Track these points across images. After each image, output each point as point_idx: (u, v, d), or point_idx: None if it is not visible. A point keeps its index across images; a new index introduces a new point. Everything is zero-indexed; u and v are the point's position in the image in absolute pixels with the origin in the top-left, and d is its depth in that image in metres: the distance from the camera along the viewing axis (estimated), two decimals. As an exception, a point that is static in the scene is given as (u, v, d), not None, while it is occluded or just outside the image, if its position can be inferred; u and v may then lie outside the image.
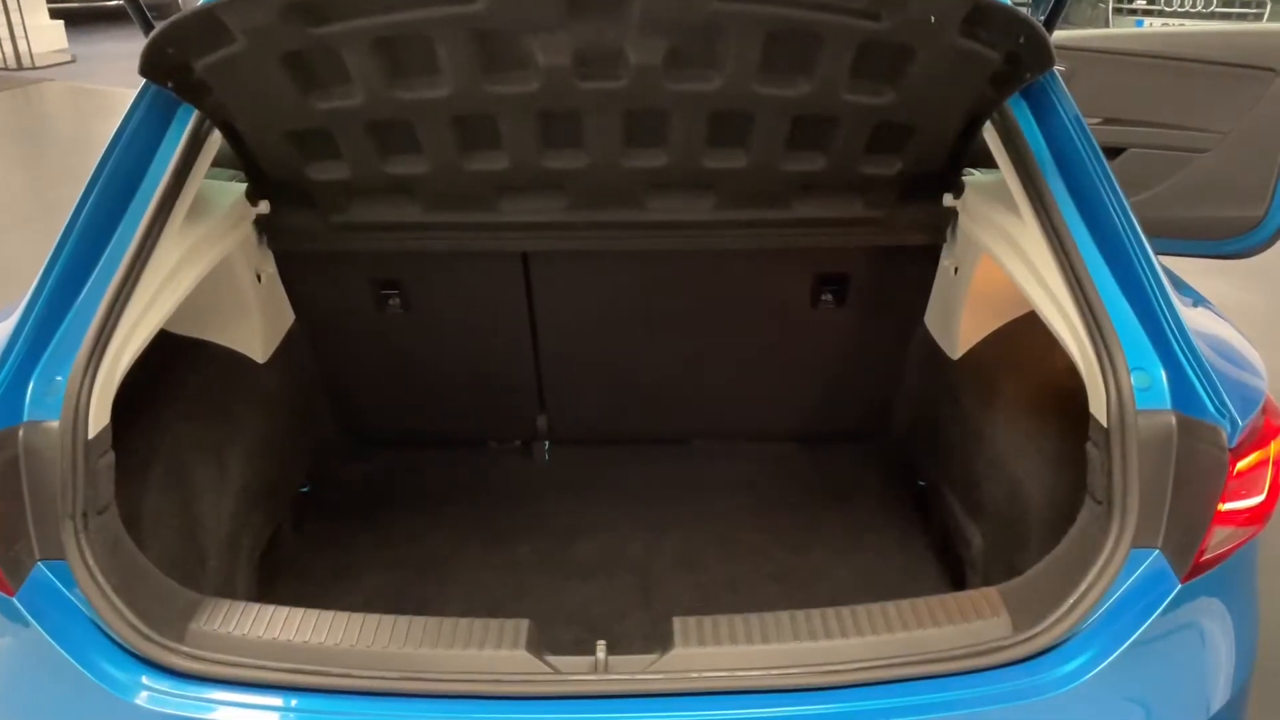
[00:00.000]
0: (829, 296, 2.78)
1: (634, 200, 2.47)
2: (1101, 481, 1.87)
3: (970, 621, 1.83)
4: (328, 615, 1.82)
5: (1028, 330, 2.40)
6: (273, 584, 2.60)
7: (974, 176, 2.45)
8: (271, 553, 2.61)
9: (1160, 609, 1.78)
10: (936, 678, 1.75)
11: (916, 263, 2.68)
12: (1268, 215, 3.13)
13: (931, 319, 2.78)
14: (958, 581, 2.57)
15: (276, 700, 1.71)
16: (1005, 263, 2.19)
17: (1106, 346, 1.88)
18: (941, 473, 2.68)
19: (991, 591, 1.91)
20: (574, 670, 1.76)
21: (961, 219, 2.45)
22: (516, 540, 2.82)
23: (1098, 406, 1.90)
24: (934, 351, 2.74)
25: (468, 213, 2.50)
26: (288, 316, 2.79)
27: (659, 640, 2.50)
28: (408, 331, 2.86)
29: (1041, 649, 1.77)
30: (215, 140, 2.17)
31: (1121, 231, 1.98)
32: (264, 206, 2.47)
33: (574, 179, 2.40)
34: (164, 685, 1.71)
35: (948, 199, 2.44)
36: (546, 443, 3.19)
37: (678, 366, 2.98)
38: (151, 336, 1.97)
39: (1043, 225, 2.03)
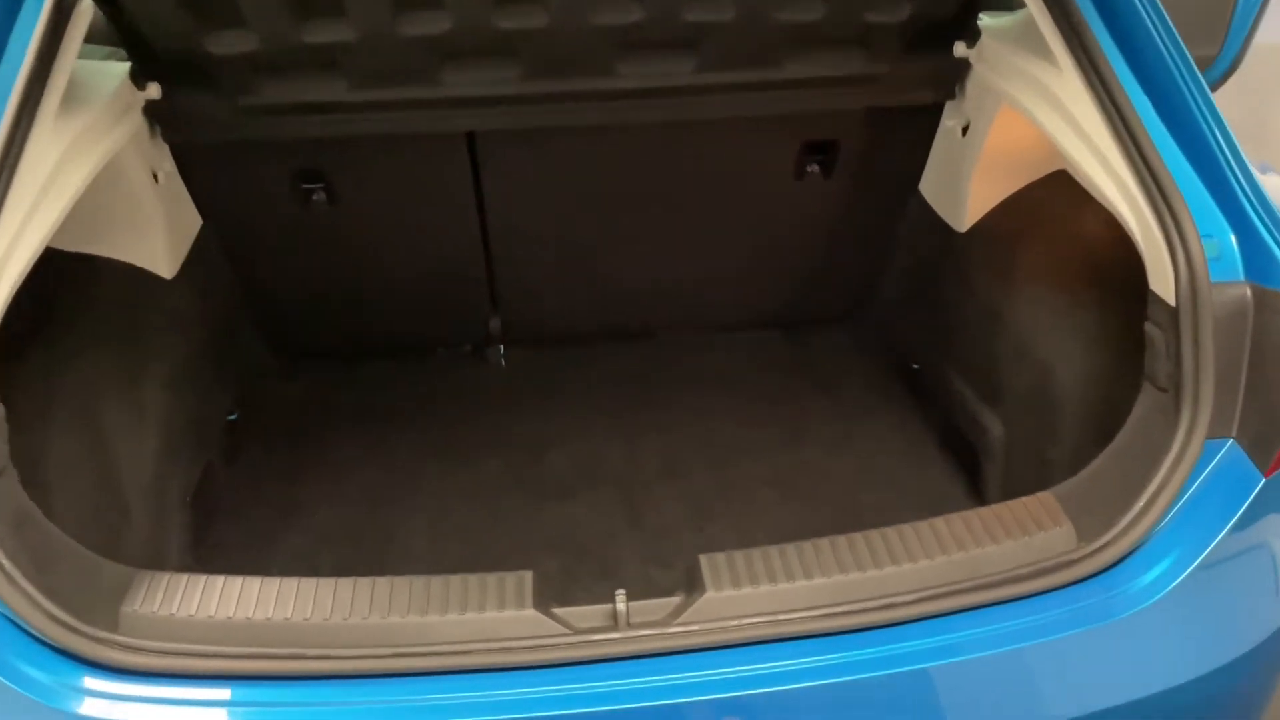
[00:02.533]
0: (815, 167, 2.48)
1: (601, 65, 2.12)
2: (1166, 366, 1.66)
3: (1030, 534, 1.63)
4: (291, 583, 1.53)
5: (1051, 193, 2.16)
6: (210, 530, 2.28)
7: (990, 20, 2.14)
8: (204, 493, 2.28)
9: (1244, 506, 1.59)
10: (1004, 603, 1.54)
11: (915, 124, 2.39)
12: (1221, 52, 2.93)
13: (929, 187, 2.51)
14: (968, 469, 2.38)
15: (243, 693, 1.43)
16: (1035, 113, 1.91)
17: (1171, 210, 1.64)
18: (945, 356, 2.46)
19: (1047, 496, 1.70)
20: (594, 626, 1.50)
21: (976, 70, 2.15)
22: (481, 457, 2.54)
23: (1160, 281, 1.67)
24: (932, 223, 2.48)
25: (403, 88, 2.12)
26: (194, 221, 2.39)
27: (655, 560, 2.31)
28: (336, 228, 2.49)
29: (1115, 559, 1.57)
30: (87, 9, 1.74)
31: (1177, 75, 1.72)
32: (154, 90, 2.05)
33: (530, 42, 2.03)
34: (101, 684, 1.41)
35: (959, 48, 2.14)
36: (502, 346, 2.88)
37: (645, 253, 2.68)
38: (35, 257, 1.59)
39: (1083, 70, 1.76)
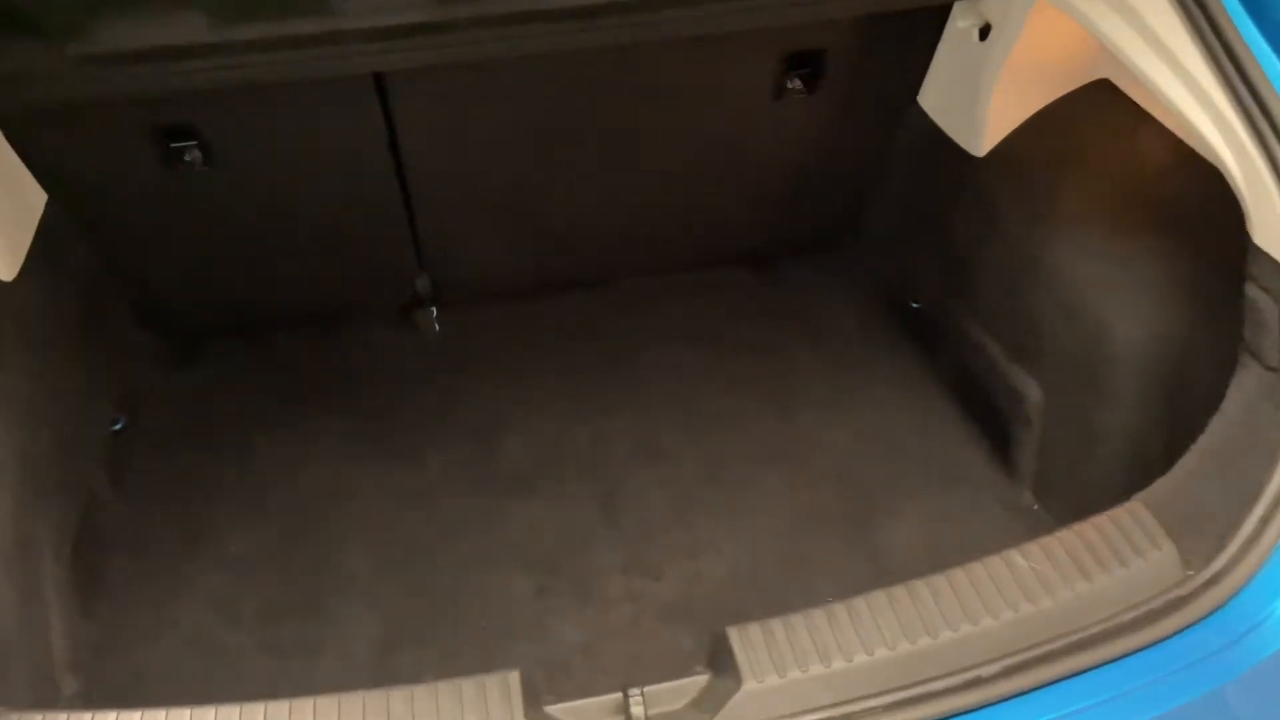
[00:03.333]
0: (797, 83, 2.07)
1: None
2: (1276, 338, 1.34)
3: (1127, 564, 1.32)
4: (206, 714, 1.15)
5: (1094, 110, 1.80)
6: (102, 578, 1.88)
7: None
8: (89, 534, 1.87)
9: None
10: (1112, 662, 1.24)
11: (917, 26, 1.99)
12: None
13: (933, 101, 2.12)
14: (990, 434, 2.07)
15: None
16: (1087, 11, 1.53)
17: None
18: (960, 300, 2.12)
19: (1138, 508, 1.39)
20: None
21: None
22: (422, 449, 2.15)
23: (1272, 235, 1.34)
24: (938, 143, 2.10)
25: (280, 22, 1.64)
26: (36, 202, 1.91)
27: (641, 569, 1.96)
28: (216, 192, 2.02)
29: (1232, 592, 1.28)
30: None
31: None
32: None
33: None
34: None
35: None
36: (434, 309, 2.45)
37: (597, 191, 2.26)
38: None
39: None
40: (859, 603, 1.30)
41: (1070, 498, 1.90)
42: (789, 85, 2.07)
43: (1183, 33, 1.42)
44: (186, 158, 1.93)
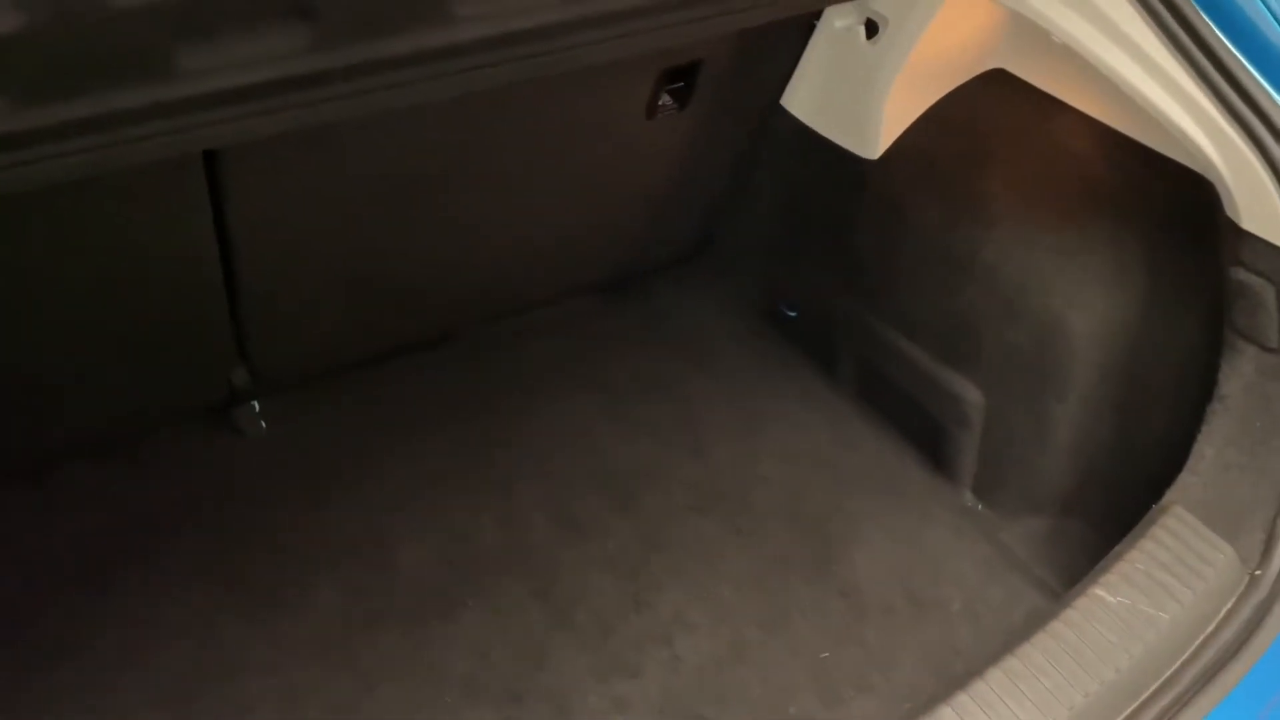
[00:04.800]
0: (669, 99, 1.88)
1: (428, 8, 1.36)
2: (1275, 319, 1.35)
3: (1201, 574, 1.28)
4: None
5: (997, 101, 1.75)
6: None
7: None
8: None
9: None
10: (1237, 688, 1.20)
11: (789, 27, 1.86)
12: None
13: (803, 102, 2.00)
14: (915, 437, 2.01)
15: None
16: None
17: (1268, 122, 1.30)
18: (862, 304, 2.03)
19: (1180, 512, 1.36)
20: None
21: None
22: (302, 585, 1.76)
23: (1260, 217, 1.34)
24: (812, 143, 1.99)
25: (116, 91, 1.22)
26: None
27: (617, 670, 1.66)
28: None
29: None
30: None
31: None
32: None
33: None
34: None
35: None
36: (255, 403, 2.03)
37: (450, 240, 1.95)
38: None
39: None
40: (981, 689, 1.17)
41: (1016, 493, 1.88)
42: (661, 102, 1.87)
43: (1137, 17, 1.38)
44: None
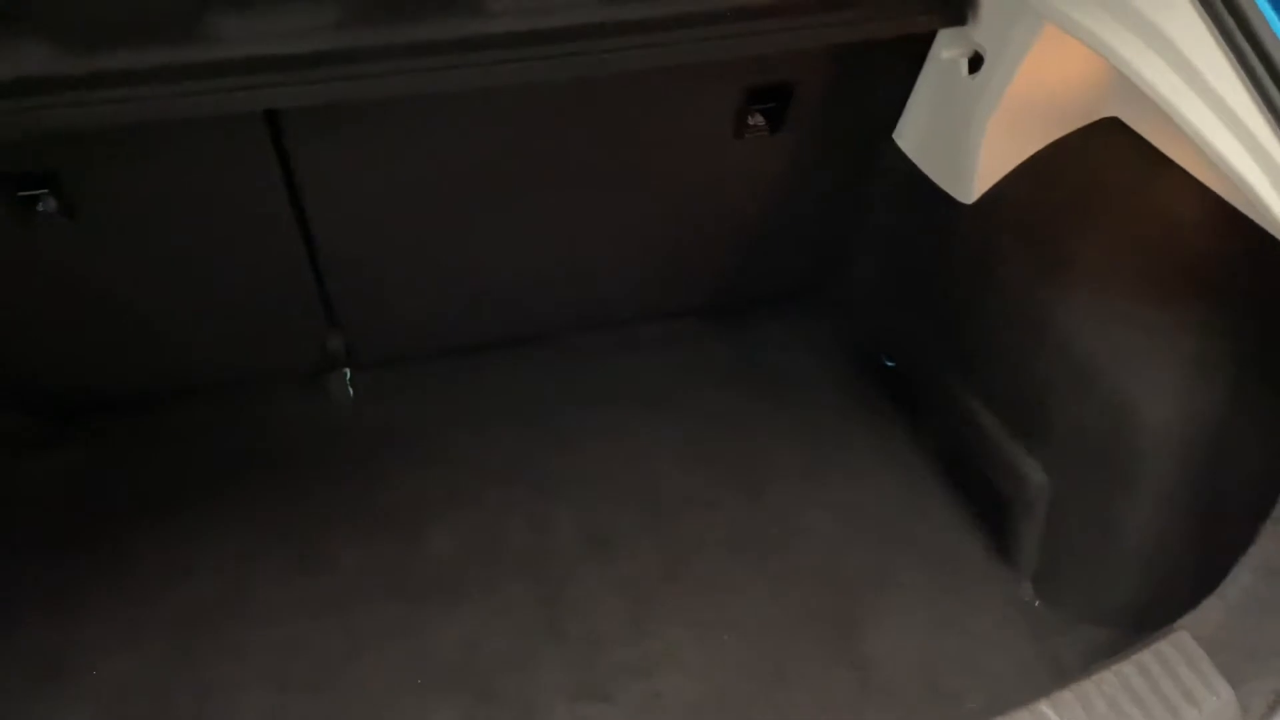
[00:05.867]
0: (759, 119, 1.82)
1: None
2: None
3: (1180, 715, 1.08)
4: None
5: (1106, 152, 1.57)
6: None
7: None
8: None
9: None
10: None
11: (895, 54, 1.75)
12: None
13: (911, 139, 1.88)
14: (985, 514, 1.82)
15: None
16: (1107, 38, 1.30)
17: None
18: (946, 361, 1.87)
19: (1184, 639, 1.15)
20: None
21: None
22: (332, 547, 1.84)
23: None
24: (917, 183, 1.86)
25: (150, 49, 1.34)
26: None
27: (591, 693, 1.63)
28: (80, 248, 1.70)
29: None
30: None
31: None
32: None
33: None
34: None
35: None
36: (347, 371, 2.15)
37: (532, 240, 1.98)
38: None
39: None
40: None
41: (1078, 595, 1.66)
42: (750, 121, 1.82)
43: (1224, 65, 1.19)
44: (40, 208, 1.61)
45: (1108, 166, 1.58)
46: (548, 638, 1.71)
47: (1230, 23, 1.19)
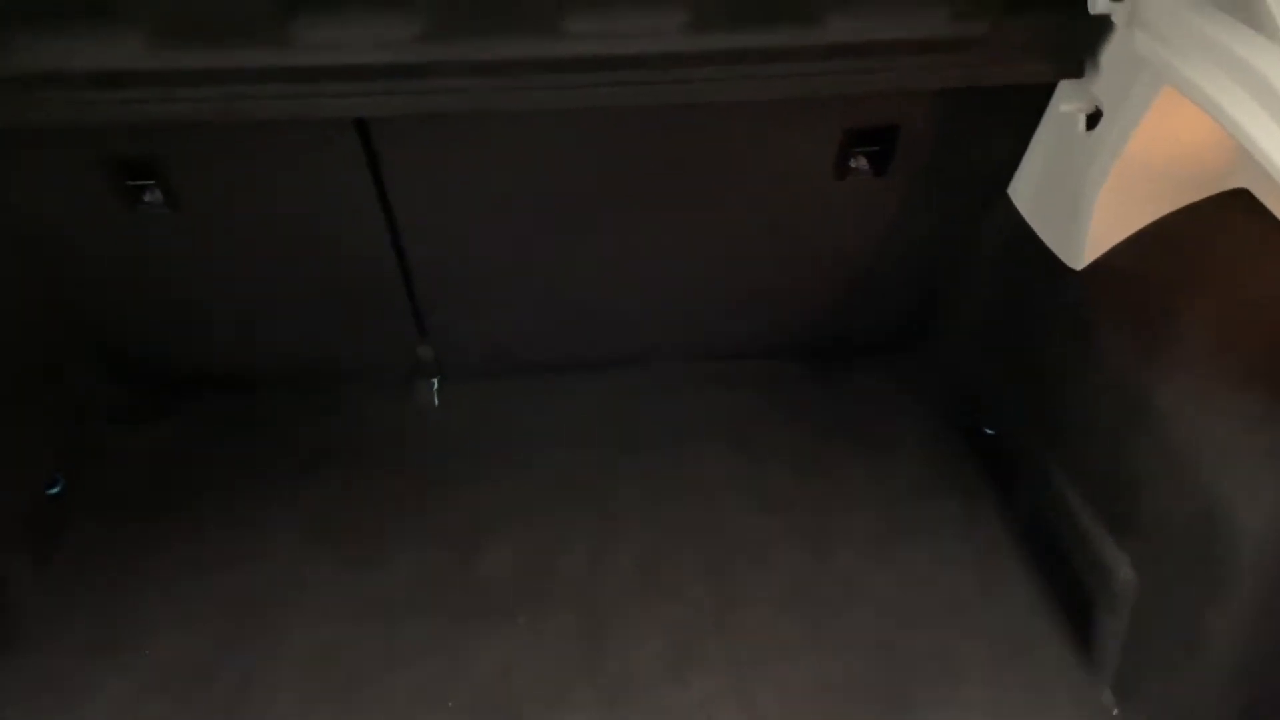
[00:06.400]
0: (862, 161, 1.74)
1: (541, 18, 1.38)
2: None
3: None
4: None
5: (1228, 227, 1.43)
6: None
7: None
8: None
9: None
10: None
11: (1013, 103, 1.65)
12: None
13: (1025, 195, 1.76)
14: (1072, 609, 1.68)
15: None
16: (1226, 105, 1.18)
17: None
18: (1041, 435, 1.75)
19: None
20: None
21: (1125, 35, 1.40)
22: (393, 548, 1.86)
23: None
24: (1027, 242, 1.75)
25: (232, 50, 1.38)
26: None
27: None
28: (183, 237, 1.77)
29: None
30: None
31: None
32: None
33: None
34: None
35: (1099, 1, 1.39)
36: (435, 380, 2.17)
37: (622, 265, 1.95)
38: None
39: None
40: None
41: (1159, 706, 1.50)
42: (853, 164, 1.74)
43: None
44: (146, 198, 1.69)
45: (1231, 242, 1.44)
46: (584, 673, 1.66)
47: None
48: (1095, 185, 1.51)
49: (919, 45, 1.45)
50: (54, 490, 1.89)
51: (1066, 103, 1.55)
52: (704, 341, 2.17)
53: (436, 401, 2.17)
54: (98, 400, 2.03)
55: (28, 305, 1.81)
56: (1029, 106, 1.65)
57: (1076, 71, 1.50)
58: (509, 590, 1.79)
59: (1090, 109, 1.53)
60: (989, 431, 1.98)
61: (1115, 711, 1.57)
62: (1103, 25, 1.43)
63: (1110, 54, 1.45)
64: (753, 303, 2.06)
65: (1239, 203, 1.44)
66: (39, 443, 1.86)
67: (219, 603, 1.76)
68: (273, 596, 1.77)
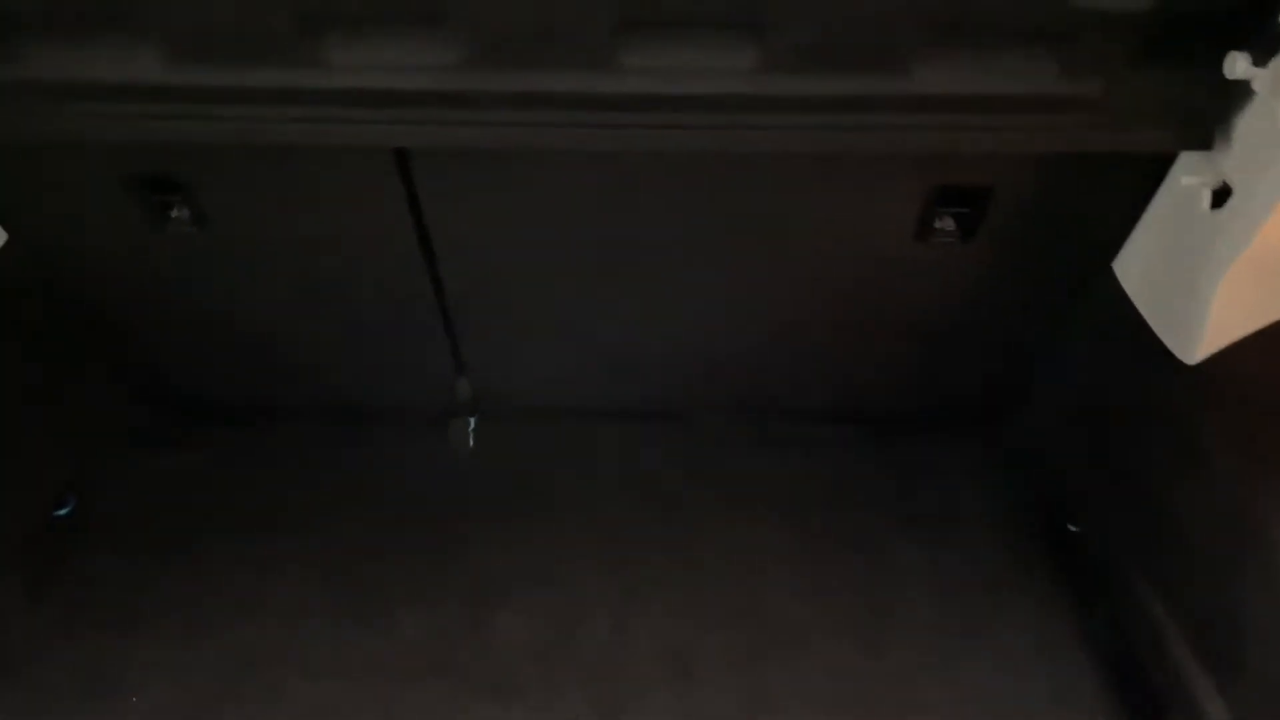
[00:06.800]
0: (948, 222, 1.55)
1: (593, 51, 1.23)
2: None
3: None
4: None
5: None
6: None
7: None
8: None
9: None
10: None
11: (1126, 172, 1.45)
12: None
13: (1131, 273, 1.56)
14: None
15: None
16: None
17: None
18: (1133, 548, 1.54)
19: None
20: None
21: (1267, 107, 1.20)
22: (403, 604, 1.72)
23: None
24: (1130, 325, 1.54)
25: (259, 68, 1.26)
26: None
27: None
28: (211, 259, 1.66)
29: None
30: None
31: None
32: None
33: (462, 3, 1.16)
34: None
35: (1238, 65, 1.18)
36: (472, 420, 2.03)
37: (670, 315, 1.79)
38: None
39: None
40: None
41: None
42: (937, 225, 1.56)
43: None
44: (173, 214, 1.58)
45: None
46: (594, 766, 1.51)
47: None
48: (1218, 272, 1.31)
49: (1020, 103, 1.27)
50: (63, 511, 1.80)
51: (1189, 176, 1.35)
52: (757, 400, 2.00)
53: (472, 442, 2.03)
54: (119, 422, 1.94)
55: (52, 320, 1.73)
56: (1144, 175, 1.44)
57: (1204, 142, 1.29)
58: (522, 661, 1.65)
59: (1217, 184, 1.32)
60: (1071, 528, 1.77)
61: None
62: (1239, 91, 1.23)
63: (1246, 125, 1.25)
64: (813, 363, 1.88)
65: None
66: (53, 462, 1.77)
67: (212, 654, 1.64)
68: (270, 650, 1.65)
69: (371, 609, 1.71)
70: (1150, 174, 1.44)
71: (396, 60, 1.25)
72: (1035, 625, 1.68)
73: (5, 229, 1.60)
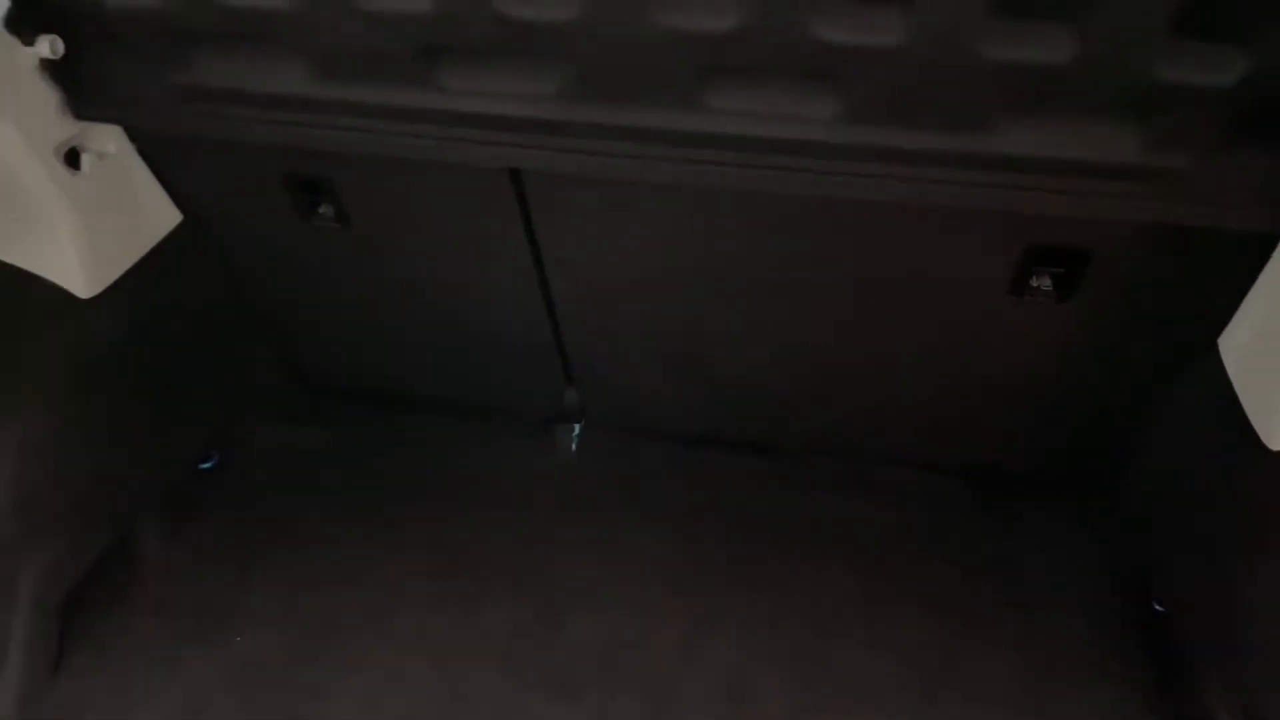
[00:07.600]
0: (1046, 281, 1.54)
1: (680, 92, 1.31)
2: None
3: None
4: None
5: None
6: (92, 637, 1.73)
7: None
8: (104, 580, 1.73)
9: None
10: None
11: (1235, 244, 1.40)
12: None
13: (1236, 350, 1.50)
14: None
15: None
16: None
17: None
18: (1216, 630, 1.48)
19: None
20: None
21: None
22: (487, 595, 1.83)
23: None
24: (1226, 406, 1.48)
25: (385, 87, 1.40)
26: (161, 222, 1.80)
27: None
28: (351, 255, 1.83)
29: None
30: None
31: None
32: (46, 46, 1.45)
33: (559, 41, 1.26)
34: None
35: None
36: (576, 426, 2.13)
37: (766, 349, 1.83)
38: None
39: None
40: None
41: None
42: (1034, 283, 1.55)
43: None
44: (320, 210, 1.76)
45: None
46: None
47: None
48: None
49: (1105, 170, 1.26)
50: (207, 465, 2.01)
51: (1294, 256, 1.30)
52: (850, 442, 2.01)
53: (575, 448, 2.13)
54: (262, 393, 2.14)
55: (215, 294, 1.93)
56: (1255, 248, 1.39)
57: (1301, 221, 1.25)
58: (581, 670, 1.71)
59: (1323, 267, 1.27)
60: (1159, 608, 1.70)
61: None
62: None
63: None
64: (905, 409, 1.88)
65: None
66: (204, 420, 1.97)
67: (312, 613, 1.79)
68: (364, 618, 1.79)
69: (459, 594, 1.82)
70: (1257, 250, 1.39)
71: (502, 88, 1.37)
72: (1116, 712, 1.62)
73: (181, 210, 1.81)
